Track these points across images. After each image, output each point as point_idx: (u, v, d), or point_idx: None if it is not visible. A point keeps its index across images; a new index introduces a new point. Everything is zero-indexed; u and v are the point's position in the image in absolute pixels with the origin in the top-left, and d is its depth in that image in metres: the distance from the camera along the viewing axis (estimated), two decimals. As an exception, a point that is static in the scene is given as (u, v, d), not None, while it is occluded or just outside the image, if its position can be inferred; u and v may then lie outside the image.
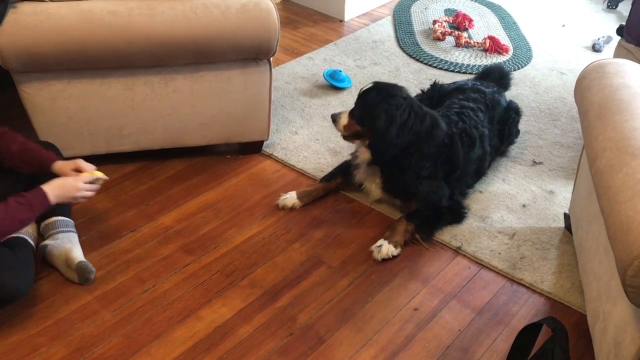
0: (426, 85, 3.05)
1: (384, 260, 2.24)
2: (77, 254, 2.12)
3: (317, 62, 3.51)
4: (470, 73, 3.47)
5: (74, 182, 1.98)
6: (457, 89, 2.77)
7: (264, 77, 2.54)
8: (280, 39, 2.43)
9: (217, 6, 2.30)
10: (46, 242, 2.13)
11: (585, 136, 1.88)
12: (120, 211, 2.42)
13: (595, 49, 3.77)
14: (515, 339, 1.80)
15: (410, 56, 3.63)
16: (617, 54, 2.81)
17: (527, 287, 2.18)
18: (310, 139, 2.87)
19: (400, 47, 3.72)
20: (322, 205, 2.51)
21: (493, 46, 3.68)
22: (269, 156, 2.77)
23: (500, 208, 2.53)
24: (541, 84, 3.42)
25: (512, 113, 2.74)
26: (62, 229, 2.17)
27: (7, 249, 1.95)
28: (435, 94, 2.85)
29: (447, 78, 3.38)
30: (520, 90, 3.34)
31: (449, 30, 3.86)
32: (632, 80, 1.89)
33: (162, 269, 2.18)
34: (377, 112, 2.25)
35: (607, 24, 4.07)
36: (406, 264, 2.25)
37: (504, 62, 3.60)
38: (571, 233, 2.33)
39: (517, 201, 2.57)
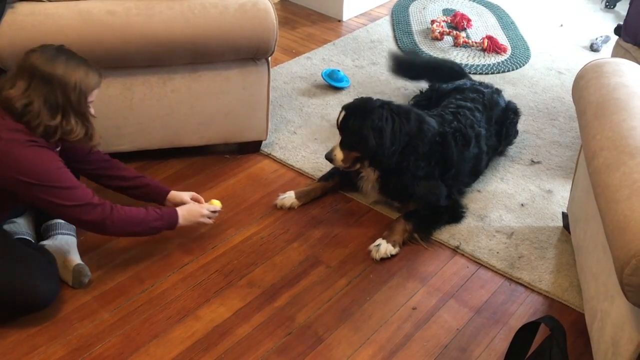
0: (424, 86, 3.06)
1: (383, 259, 2.25)
2: (75, 256, 2.12)
3: (316, 61, 3.51)
4: (468, 73, 3.46)
5: (200, 208, 2.20)
6: (456, 89, 2.78)
7: (262, 77, 2.55)
8: (278, 38, 2.44)
9: (215, 6, 2.31)
10: (45, 242, 2.14)
11: (583, 135, 1.89)
12: (119, 211, 2.42)
13: (593, 48, 3.77)
14: (513, 338, 1.80)
15: (409, 56, 3.63)
16: (614, 54, 2.82)
17: (525, 286, 2.18)
18: (308, 139, 2.87)
19: (399, 46, 3.73)
20: (321, 204, 2.51)
21: (491, 46, 3.69)
22: (268, 156, 2.78)
23: (499, 207, 2.53)
24: (539, 83, 3.43)
25: (511, 113, 2.75)
26: (61, 231, 2.17)
27: (45, 259, 1.99)
28: (434, 95, 2.86)
29: (445, 78, 3.38)
30: (518, 89, 3.34)
31: (447, 30, 3.86)
32: (630, 79, 1.90)
33: (160, 268, 2.18)
34: (364, 134, 2.25)
35: (605, 24, 4.08)
36: (404, 264, 2.26)
37: (502, 61, 3.60)
38: (569, 232, 2.34)
39: (515, 200, 2.57)
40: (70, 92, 1.84)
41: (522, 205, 2.55)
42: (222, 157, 2.76)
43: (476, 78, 3.12)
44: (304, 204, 2.50)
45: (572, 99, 2.13)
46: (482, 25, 4.02)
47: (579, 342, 1.96)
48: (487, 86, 2.79)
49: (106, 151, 2.53)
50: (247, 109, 2.60)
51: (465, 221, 2.44)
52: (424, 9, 4.20)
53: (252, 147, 2.77)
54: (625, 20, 2.79)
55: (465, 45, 3.74)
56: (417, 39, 3.81)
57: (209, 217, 2.22)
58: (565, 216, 2.41)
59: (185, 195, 2.27)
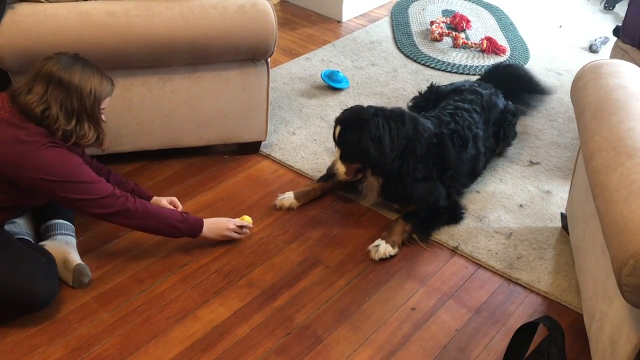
0: (424, 87, 3.06)
1: (382, 260, 2.25)
2: (75, 256, 2.13)
3: (315, 62, 3.52)
4: (467, 74, 3.48)
5: (227, 222, 2.25)
6: (454, 90, 2.78)
7: (261, 77, 2.55)
8: (277, 39, 2.44)
9: (214, 7, 2.31)
10: (44, 242, 2.14)
11: (581, 136, 1.89)
12: (118, 211, 2.43)
13: (592, 49, 3.78)
14: (511, 338, 1.80)
15: (408, 57, 3.64)
16: (613, 55, 2.83)
17: (524, 287, 2.19)
18: (307, 140, 2.88)
19: (398, 48, 3.73)
20: (320, 205, 2.52)
21: (490, 47, 3.69)
22: (267, 156, 2.78)
23: (498, 208, 2.53)
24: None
25: (509, 115, 2.75)
26: (61, 232, 2.18)
27: (44, 259, 1.99)
28: (432, 96, 2.87)
29: (444, 79, 3.39)
30: (517, 90, 3.34)
31: (447, 31, 3.87)
32: (628, 80, 1.90)
33: (160, 269, 2.19)
34: (364, 145, 2.26)
35: (604, 25, 4.09)
36: (403, 264, 2.26)
37: (502, 63, 3.60)
38: (568, 233, 2.34)
39: (514, 201, 2.57)
40: (86, 98, 1.92)
41: (520, 205, 2.55)
42: (221, 157, 2.76)
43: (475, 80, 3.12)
44: (303, 205, 2.50)
45: (570, 100, 2.13)
46: (481, 27, 4.02)
47: (578, 343, 1.96)
48: (486, 87, 2.79)
49: (106, 152, 2.55)
50: (246, 110, 2.61)
51: (464, 222, 2.45)
52: (423, 10, 4.21)
53: (251, 148, 2.77)
54: (623, 22, 2.80)
55: (465, 46, 3.75)
56: (417, 40, 3.82)
57: (237, 232, 2.26)
58: (563, 217, 2.42)
59: (164, 200, 2.31)
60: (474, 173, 2.60)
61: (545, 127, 3.06)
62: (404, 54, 3.66)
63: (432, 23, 3.95)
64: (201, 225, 2.15)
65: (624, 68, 1.99)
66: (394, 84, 3.36)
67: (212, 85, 2.50)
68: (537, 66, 3.60)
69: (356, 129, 2.28)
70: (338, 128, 2.34)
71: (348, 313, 2.06)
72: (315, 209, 2.49)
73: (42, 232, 2.19)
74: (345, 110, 2.42)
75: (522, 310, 2.10)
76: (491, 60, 3.62)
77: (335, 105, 3.13)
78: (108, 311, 2.02)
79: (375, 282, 2.18)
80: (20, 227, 2.14)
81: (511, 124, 2.76)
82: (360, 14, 4.16)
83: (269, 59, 2.52)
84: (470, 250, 2.32)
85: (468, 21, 3.96)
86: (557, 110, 3.20)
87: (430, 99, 2.86)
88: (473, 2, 4.36)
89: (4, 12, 2.14)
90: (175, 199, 2.35)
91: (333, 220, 2.44)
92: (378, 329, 2.01)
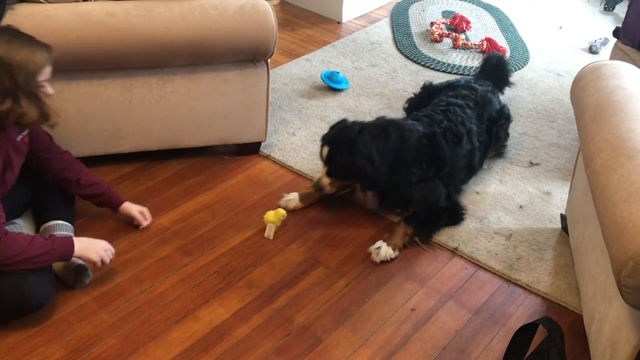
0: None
1: (382, 262, 2.25)
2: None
3: (315, 63, 3.52)
4: (467, 75, 3.47)
5: (100, 244, 2.03)
6: (448, 85, 2.80)
7: (261, 78, 2.55)
8: (277, 40, 2.44)
9: (214, 8, 2.31)
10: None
11: (581, 137, 1.89)
12: (118, 212, 2.43)
13: (592, 50, 3.78)
14: (511, 339, 1.80)
15: (408, 58, 3.64)
16: (613, 56, 2.83)
17: (524, 288, 2.19)
18: (307, 140, 2.88)
19: (398, 49, 3.73)
20: (320, 206, 2.52)
21: (490, 48, 3.69)
22: (267, 157, 2.78)
23: (497, 209, 2.53)
24: (538, 85, 3.43)
25: (503, 119, 2.75)
26: (61, 232, 2.17)
27: None
28: (426, 94, 2.87)
29: (444, 80, 3.38)
30: (517, 92, 3.35)
31: (447, 32, 3.87)
32: (628, 82, 1.91)
33: (159, 269, 2.19)
34: (358, 165, 2.27)
35: (604, 26, 4.09)
36: (403, 265, 2.26)
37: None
38: (568, 234, 2.34)
39: (514, 202, 2.58)
40: (17, 73, 1.74)
41: (520, 207, 2.55)
42: (221, 158, 2.76)
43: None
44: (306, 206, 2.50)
45: (570, 101, 2.13)
46: (481, 27, 4.02)
47: (577, 344, 1.96)
48: (482, 84, 2.79)
49: (105, 152, 2.55)
50: (246, 110, 2.61)
51: (464, 223, 2.45)
52: (423, 11, 4.21)
53: (251, 149, 2.77)
54: (623, 23, 2.80)
55: (465, 47, 3.75)
56: (417, 41, 3.82)
57: (107, 254, 2.05)
58: (563, 218, 2.42)
59: (134, 210, 2.30)
60: (470, 168, 2.59)
61: (545, 128, 3.07)
62: (404, 55, 3.67)
63: (432, 24, 3.95)
64: (72, 251, 1.93)
65: (624, 69, 1.99)
66: (393, 84, 3.36)
67: (212, 85, 2.50)
68: (537, 67, 3.61)
69: (346, 149, 2.30)
70: (326, 149, 2.35)
71: (348, 314, 2.06)
72: (315, 210, 2.49)
73: (41, 232, 2.19)
74: (331, 128, 2.44)
75: (522, 311, 2.10)
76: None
77: (335, 106, 3.13)
78: (108, 312, 2.02)
79: (375, 283, 2.18)
80: (19, 227, 2.14)
81: (503, 127, 2.75)
82: (360, 14, 4.16)
83: (269, 60, 2.52)
84: (470, 251, 2.32)
85: (468, 22, 3.96)
86: (556, 111, 3.20)
87: (423, 97, 2.86)
88: (473, 3, 4.37)
89: (3, 12, 2.14)
90: (146, 209, 2.33)
91: (333, 221, 2.44)
92: (378, 330, 2.01)
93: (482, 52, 3.69)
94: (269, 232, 2.32)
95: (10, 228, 2.10)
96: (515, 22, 4.13)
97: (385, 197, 2.42)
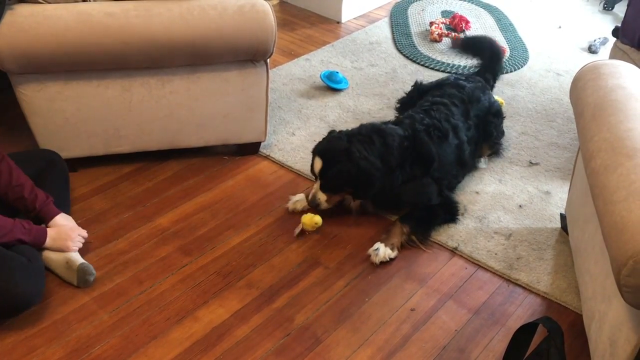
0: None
1: (382, 262, 2.25)
2: (77, 256, 2.13)
3: (314, 63, 3.52)
4: (467, 74, 3.47)
5: (71, 231, 2.14)
6: (436, 85, 2.82)
7: (261, 78, 2.55)
8: (277, 40, 2.44)
9: (213, 8, 2.31)
10: (45, 244, 2.13)
11: (581, 137, 1.89)
12: (118, 212, 2.43)
13: (591, 50, 3.78)
14: (511, 339, 1.80)
15: (407, 58, 3.64)
16: (612, 55, 2.83)
17: (524, 288, 2.19)
18: (307, 140, 2.88)
19: (397, 48, 3.73)
20: (319, 206, 2.52)
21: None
22: (266, 157, 2.78)
23: (497, 209, 2.53)
24: (537, 85, 3.43)
25: (491, 115, 2.74)
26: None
27: (25, 258, 1.96)
28: (415, 93, 2.89)
29: (443, 79, 3.39)
30: (516, 91, 3.35)
31: (446, 32, 3.87)
32: (627, 81, 1.90)
33: (159, 270, 2.19)
34: (361, 170, 2.26)
35: (604, 26, 4.09)
36: (403, 265, 2.26)
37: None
38: (567, 233, 2.34)
39: (513, 202, 2.58)
40: None
41: (520, 206, 2.55)
42: (221, 158, 2.76)
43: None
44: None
45: (570, 101, 2.13)
46: (480, 27, 4.02)
47: (577, 343, 1.96)
48: (472, 81, 2.79)
49: (105, 152, 2.56)
50: (245, 111, 2.61)
51: (463, 222, 2.45)
52: (422, 10, 4.21)
53: (250, 149, 2.77)
54: (622, 22, 2.80)
55: (464, 46, 3.74)
56: (416, 40, 3.82)
57: (80, 240, 2.16)
58: (563, 217, 2.42)
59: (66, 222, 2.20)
60: (461, 162, 2.57)
61: (545, 127, 3.07)
62: (404, 55, 3.66)
63: (431, 24, 3.94)
64: (44, 239, 2.06)
65: (623, 69, 1.99)
66: (393, 84, 3.36)
67: (211, 86, 2.50)
68: (536, 67, 3.61)
69: (342, 158, 2.28)
70: (319, 161, 2.33)
71: (347, 314, 2.06)
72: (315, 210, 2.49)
73: None
74: (320, 143, 2.42)
75: (522, 310, 2.10)
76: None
77: (335, 106, 3.13)
78: (107, 312, 2.02)
79: (375, 283, 2.18)
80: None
81: (493, 124, 2.74)
82: (359, 14, 4.16)
83: (268, 60, 2.52)
84: (469, 251, 2.32)
85: (467, 22, 3.95)
86: (556, 110, 3.20)
87: (413, 96, 2.87)
88: (472, 2, 4.37)
89: (3, 13, 2.14)
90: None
91: (332, 221, 2.44)
92: (377, 330, 2.01)
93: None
94: (297, 230, 2.33)
95: None
96: (515, 21, 4.13)
97: (376, 203, 2.43)
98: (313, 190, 2.39)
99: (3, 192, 2.09)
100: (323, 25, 4.00)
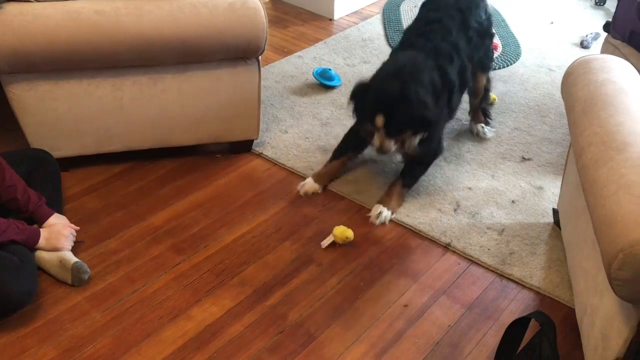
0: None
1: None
2: (71, 255, 2.12)
3: (307, 60, 3.51)
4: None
5: (63, 229, 2.14)
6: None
7: (253, 76, 2.54)
8: (268, 37, 2.44)
9: (204, 5, 2.30)
10: (37, 244, 2.12)
11: (572, 131, 1.90)
12: (110, 211, 2.42)
13: (583, 45, 3.79)
14: (504, 334, 1.81)
15: (400, 54, 3.63)
16: (604, 50, 2.83)
17: (517, 282, 2.19)
18: (300, 138, 2.87)
19: (390, 45, 3.73)
20: (313, 203, 2.51)
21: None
22: (259, 155, 2.77)
23: (490, 204, 2.54)
24: (530, 80, 3.44)
25: (488, 39, 2.70)
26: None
27: (16, 258, 1.96)
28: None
29: (436, 76, 3.39)
30: (509, 87, 3.35)
31: (438, 28, 3.86)
32: (617, 75, 1.91)
33: (152, 268, 2.18)
34: (422, 120, 2.24)
35: (595, 21, 4.10)
36: (396, 261, 2.26)
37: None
38: (560, 228, 2.35)
39: (506, 197, 2.58)
40: None
41: (513, 201, 2.56)
42: (213, 156, 2.75)
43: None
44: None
45: (561, 96, 2.13)
46: (473, 23, 4.02)
47: (570, 337, 1.97)
48: None
49: (97, 151, 2.55)
50: (238, 109, 2.60)
51: (456, 218, 2.45)
52: (415, 7, 4.20)
53: (243, 147, 2.77)
54: (613, 17, 2.80)
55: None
56: (408, 37, 3.81)
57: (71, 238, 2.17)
58: (555, 212, 2.42)
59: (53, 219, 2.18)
60: (463, 84, 2.54)
61: (537, 123, 3.07)
62: (396, 52, 3.66)
63: (423, 20, 3.94)
64: (37, 240, 2.07)
65: (614, 63, 1.99)
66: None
67: (203, 84, 2.49)
68: (528, 62, 3.61)
69: (403, 105, 2.23)
70: (381, 117, 2.25)
71: (341, 311, 2.06)
72: (308, 207, 2.49)
73: None
74: (358, 94, 2.38)
75: (515, 305, 2.10)
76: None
77: (328, 103, 3.13)
78: (100, 311, 2.02)
79: (368, 279, 2.18)
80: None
81: (487, 47, 2.71)
82: (352, 11, 4.15)
83: (260, 57, 2.52)
84: (462, 246, 2.32)
85: (460, 18, 3.95)
86: (548, 106, 3.21)
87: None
88: (465, -1, 4.36)
89: (-8, 12, 2.13)
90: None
91: (326, 218, 2.44)
92: (371, 326, 2.01)
93: None
94: (325, 242, 2.29)
95: None
96: (507, 17, 4.13)
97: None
98: (378, 140, 2.33)
99: None
100: (315, 23, 4.00)
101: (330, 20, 4.04)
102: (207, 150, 2.77)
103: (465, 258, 2.29)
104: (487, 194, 2.60)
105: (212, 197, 2.53)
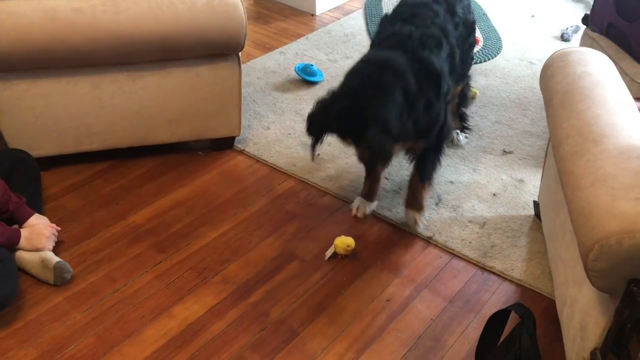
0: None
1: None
2: (52, 255, 2.10)
3: (289, 56, 3.50)
4: (441, 65, 3.48)
5: (44, 229, 2.12)
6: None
7: (233, 72, 2.53)
8: (248, 33, 2.42)
9: (182, 1, 2.29)
10: (19, 244, 2.10)
11: (550, 124, 1.91)
12: (91, 211, 2.40)
13: (564, 38, 3.81)
14: (484, 326, 1.82)
15: (382, 49, 3.63)
16: (583, 43, 2.85)
17: (498, 275, 2.21)
18: (282, 134, 2.87)
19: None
20: (295, 199, 2.51)
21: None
22: (241, 152, 2.76)
23: (471, 197, 2.55)
24: (511, 74, 3.45)
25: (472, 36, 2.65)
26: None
27: None
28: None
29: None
30: (490, 80, 3.37)
31: (420, 23, 3.86)
32: (595, 68, 1.92)
33: (133, 267, 2.17)
34: (384, 135, 1.96)
35: (576, 14, 4.12)
36: (378, 256, 2.27)
37: (475, 53, 3.61)
38: (540, 220, 2.36)
39: (487, 190, 2.59)
40: None
41: (494, 195, 2.57)
42: (195, 154, 2.74)
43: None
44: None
45: (540, 88, 2.15)
46: (454, 17, 4.03)
47: (551, 328, 1.99)
48: None
49: (76, 150, 2.52)
50: (218, 105, 2.59)
51: (438, 212, 2.46)
52: (397, 0, 4.20)
53: (225, 144, 2.75)
54: (592, 10, 2.83)
55: (438, 37, 3.74)
56: (390, 32, 3.81)
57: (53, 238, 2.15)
58: (536, 204, 2.44)
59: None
60: (453, 70, 2.39)
61: (518, 116, 3.09)
62: (378, 46, 3.66)
63: (405, 15, 3.94)
64: (17, 241, 2.06)
65: (591, 56, 2.01)
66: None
67: (182, 80, 2.47)
68: (509, 56, 3.63)
69: (370, 125, 1.98)
70: (350, 136, 2.06)
71: (323, 306, 2.06)
72: (291, 204, 2.49)
73: None
74: (335, 116, 2.05)
75: (496, 298, 2.12)
76: (464, 51, 3.63)
77: (310, 99, 3.12)
78: (81, 312, 2.00)
79: (351, 274, 2.18)
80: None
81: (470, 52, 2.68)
82: (334, 7, 4.14)
83: (240, 54, 2.50)
84: (444, 240, 2.33)
85: (441, 12, 3.96)
86: (529, 99, 3.23)
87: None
88: (446, -7, 4.37)
89: (-35, 10, 2.10)
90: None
91: (308, 214, 2.44)
92: (353, 321, 2.01)
93: None
94: (328, 252, 2.24)
95: None
96: (488, 11, 4.15)
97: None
98: (358, 154, 2.16)
99: None
100: (297, 18, 3.98)
101: (312, 15, 4.03)
102: (188, 148, 2.75)
103: (447, 251, 2.30)
104: (468, 187, 2.61)
105: (194, 194, 2.51)
